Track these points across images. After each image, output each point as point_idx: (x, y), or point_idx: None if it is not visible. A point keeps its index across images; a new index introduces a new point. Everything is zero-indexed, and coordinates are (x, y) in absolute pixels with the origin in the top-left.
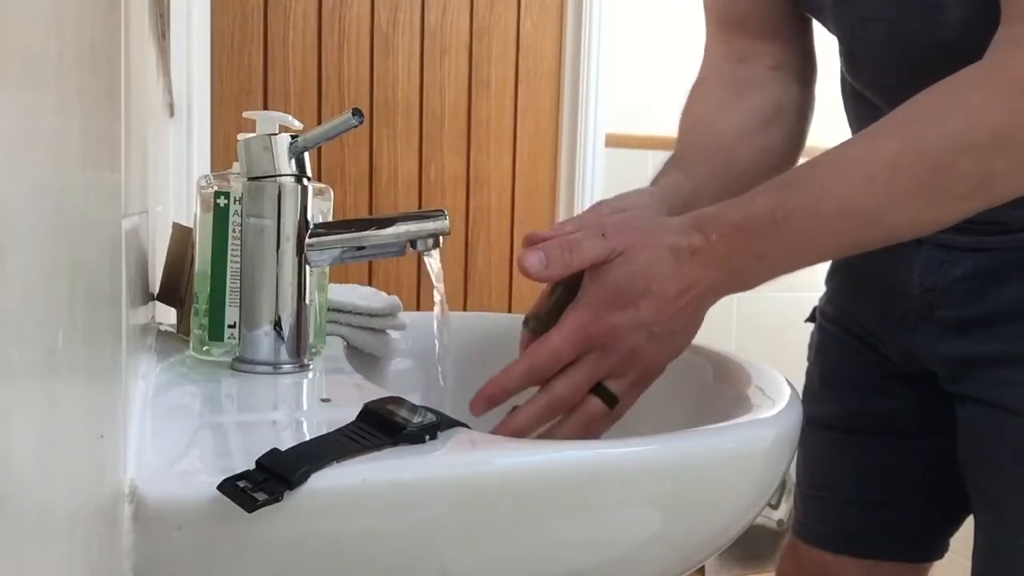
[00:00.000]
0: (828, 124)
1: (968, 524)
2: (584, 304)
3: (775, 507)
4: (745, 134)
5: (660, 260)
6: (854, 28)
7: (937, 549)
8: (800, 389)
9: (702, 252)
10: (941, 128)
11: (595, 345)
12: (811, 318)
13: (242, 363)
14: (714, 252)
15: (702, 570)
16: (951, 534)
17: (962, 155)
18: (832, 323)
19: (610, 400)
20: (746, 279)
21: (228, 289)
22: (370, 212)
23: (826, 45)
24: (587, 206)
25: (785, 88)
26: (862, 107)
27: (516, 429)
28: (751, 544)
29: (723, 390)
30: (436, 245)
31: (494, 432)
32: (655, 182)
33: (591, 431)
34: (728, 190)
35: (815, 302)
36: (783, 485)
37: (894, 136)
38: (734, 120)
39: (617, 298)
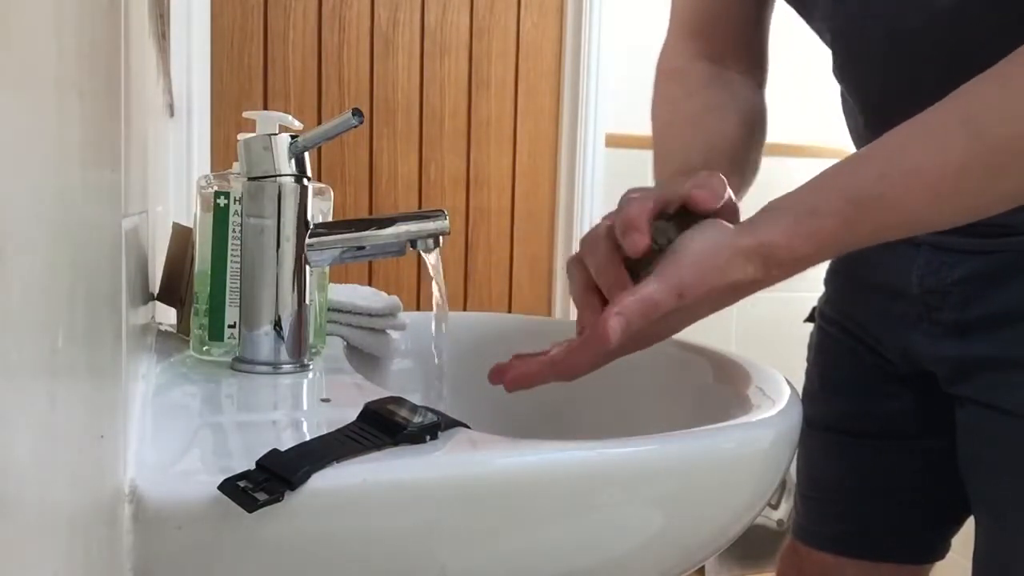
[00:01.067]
0: (819, 123)
1: (970, 524)
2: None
3: (775, 507)
4: (743, 144)
5: (719, 299)
6: (849, 25)
7: (938, 550)
8: (800, 389)
9: (760, 283)
10: (1007, 128)
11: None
12: (810, 318)
13: (242, 363)
14: (771, 280)
15: (702, 570)
16: (952, 535)
17: (1021, 156)
18: (831, 324)
19: None
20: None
21: (228, 289)
22: (370, 212)
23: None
24: (587, 207)
25: (755, 96)
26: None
27: (529, 374)
28: (751, 544)
29: (723, 390)
30: (436, 245)
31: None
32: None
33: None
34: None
35: (815, 302)
36: (783, 485)
37: (959, 134)
38: (732, 128)
39: (667, 321)
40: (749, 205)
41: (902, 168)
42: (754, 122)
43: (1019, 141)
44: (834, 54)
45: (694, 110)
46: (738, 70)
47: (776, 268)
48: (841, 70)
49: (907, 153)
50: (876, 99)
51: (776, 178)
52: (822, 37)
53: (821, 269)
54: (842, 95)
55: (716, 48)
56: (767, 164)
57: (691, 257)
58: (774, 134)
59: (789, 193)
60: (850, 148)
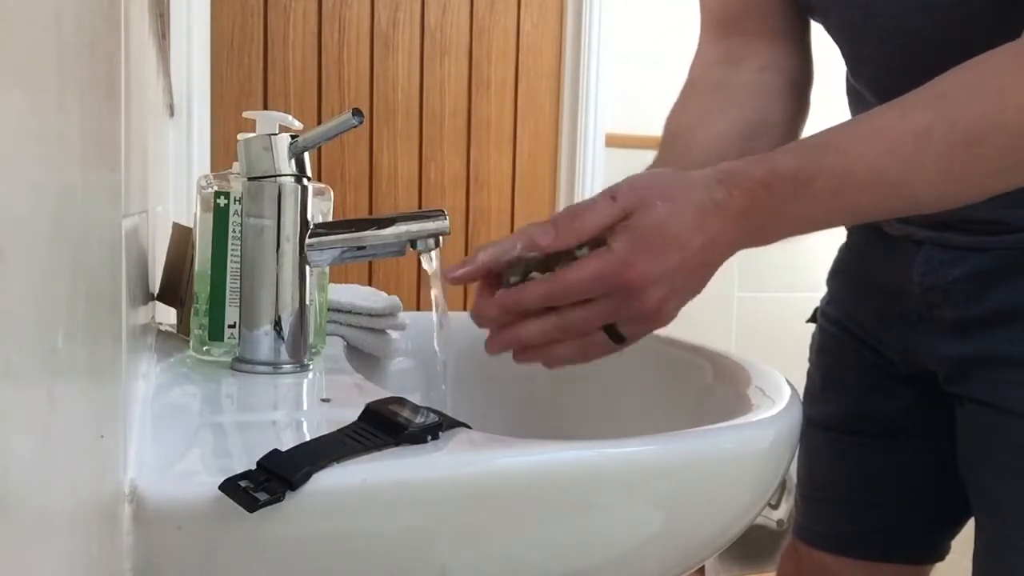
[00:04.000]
0: (819, 123)
1: (970, 524)
2: (615, 251)
3: (775, 507)
4: (724, 152)
5: (683, 212)
6: (855, 25)
7: (938, 551)
8: (800, 389)
9: (725, 207)
10: (974, 105)
11: (620, 291)
12: (812, 319)
13: (242, 363)
14: (736, 208)
15: (702, 570)
16: (952, 536)
17: (993, 133)
18: (833, 324)
19: (617, 338)
20: (766, 236)
21: (228, 289)
22: (370, 212)
23: (828, 45)
24: None
25: (773, 97)
26: (862, 107)
27: (518, 339)
28: (751, 544)
29: (723, 390)
30: (436, 245)
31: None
32: None
33: (589, 359)
34: None
35: (815, 302)
36: (783, 485)
37: (927, 108)
38: (715, 135)
39: (645, 247)
40: None
41: (863, 122)
42: (758, 123)
43: (982, 118)
44: (843, 53)
45: (679, 123)
46: (759, 65)
47: (736, 188)
48: (853, 69)
49: (872, 115)
50: (888, 97)
51: None
52: (832, 36)
53: (823, 270)
54: (848, 92)
55: (735, 42)
56: None
57: (637, 175)
58: None
59: None
60: None
